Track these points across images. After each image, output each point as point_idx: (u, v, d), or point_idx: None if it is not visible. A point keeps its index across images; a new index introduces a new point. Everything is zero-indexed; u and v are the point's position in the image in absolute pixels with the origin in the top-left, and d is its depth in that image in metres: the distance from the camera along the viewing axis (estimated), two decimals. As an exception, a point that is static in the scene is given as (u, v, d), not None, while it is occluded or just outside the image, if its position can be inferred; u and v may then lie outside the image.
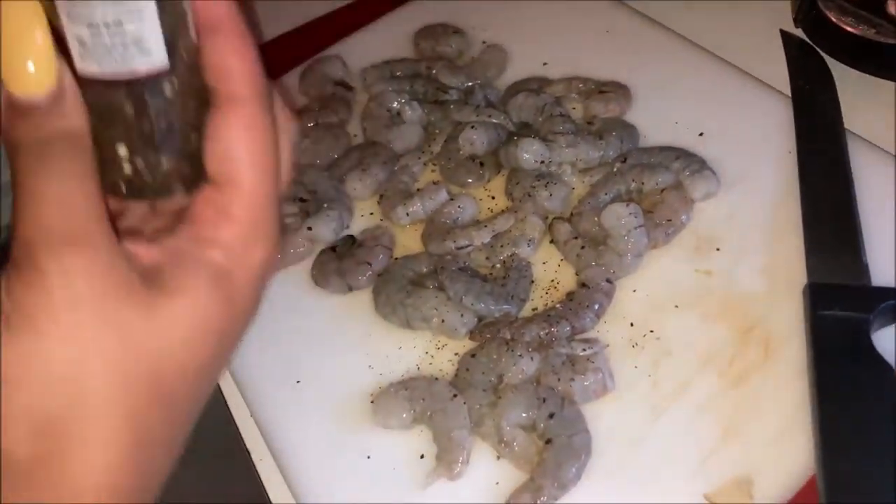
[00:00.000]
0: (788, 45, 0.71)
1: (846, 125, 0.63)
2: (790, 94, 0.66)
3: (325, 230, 0.62)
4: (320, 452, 0.52)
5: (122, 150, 0.29)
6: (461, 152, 0.65)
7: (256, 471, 0.54)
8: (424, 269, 0.59)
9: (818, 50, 0.70)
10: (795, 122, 0.64)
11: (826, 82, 0.67)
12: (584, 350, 0.52)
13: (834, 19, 0.68)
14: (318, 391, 0.55)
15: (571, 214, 0.60)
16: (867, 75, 0.67)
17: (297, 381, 0.55)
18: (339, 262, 0.60)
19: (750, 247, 0.57)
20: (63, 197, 0.26)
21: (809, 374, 0.49)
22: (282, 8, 0.85)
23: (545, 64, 0.73)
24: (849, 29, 0.68)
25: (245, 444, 0.55)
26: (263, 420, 0.55)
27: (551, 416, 0.49)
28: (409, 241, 0.62)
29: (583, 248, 0.57)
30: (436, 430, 0.50)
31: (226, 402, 0.57)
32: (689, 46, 0.72)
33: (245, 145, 0.30)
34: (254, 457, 0.54)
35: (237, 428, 0.56)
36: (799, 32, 0.71)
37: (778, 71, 0.68)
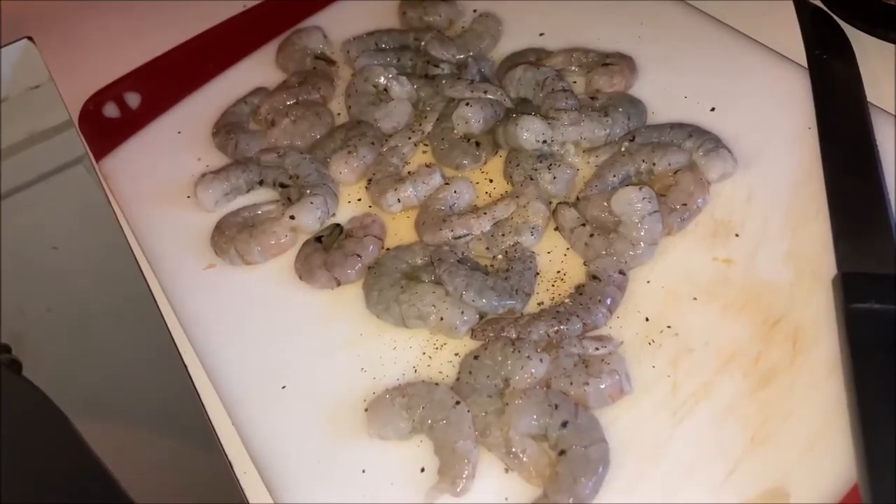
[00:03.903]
0: (802, 12, 0.66)
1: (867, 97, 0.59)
2: (806, 65, 0.62)
3: (308, 219, 0.57)
4: (309, 465, 0.47)
5: None
6: (455, 131, 0.60)
7: (240, 484, 0.49)
8: (419, 261, 0.54)
9: (834, 17, 0.65)
10: (814, 96, 0.59)
11: (844, 52, 0.62)
12: (598, 349, 0.47)
13: (852, -17, 0.64)
14: (305, 397, 0.50)
15: (577, 199, 0.56)
16: (888, 43, 0.63)
17: (283, 387, 0.51)
18: (326, 254, 0.55)
19: (771, 232, 0.53)
20: None
21: (844, 373, 0.45)
22: (256, -25, 0.79)
23: (542, 34, 0.68)
24: (867, -6, 0.64)
25: (227, 456, 0.50)
26: (246, 429, 0.50)
27: (565, 424, 0.44)
28: (401, 229, 0.57)
29: (591, 235, 0.53)
30: (437, 442, 0.46)
31: (204, 408, 0.53)
32: (696, 14, 0.67)
33: None
34: (236, 469, 0.50)
35: (218, 437, 0.51)
36: (813, -2, 0.67)
37: (793, 40, 0.64)
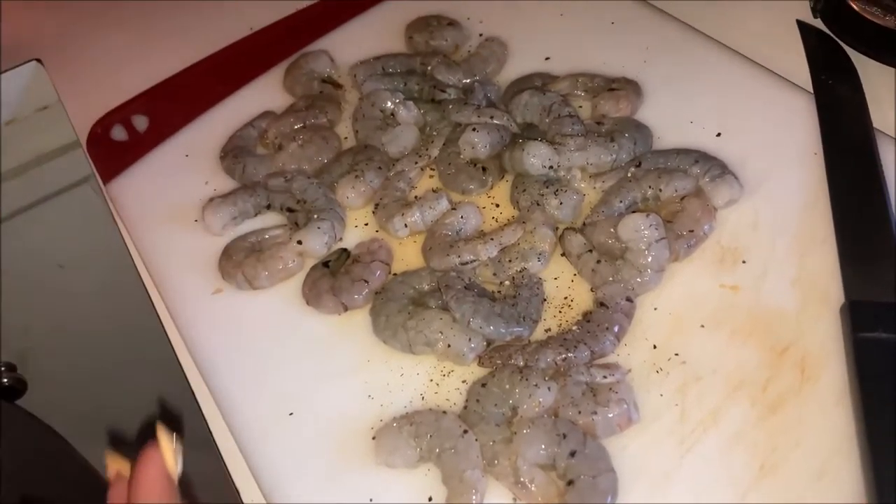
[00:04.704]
0: (807, 38, 0.66)
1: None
2: (812, 90, 0.62)
3: (316, 243, 0.57)
4: (317, 493, 0.47)
5: None
6: (462, 156, 0.60)
7: (247, 512, 0.49)
8: (426, 287, 0.54)
9: (839, 42, 0.66)
10: (820, 121, 0.59)
11: (850, 77, 0.62)
12: (606, 377, 0.47)
13: (857, 9, 0.64)
14: (312, 424, 0.50)
15: (584, 224, 0.56)
16: (892, 68, 0.63)
17: (290, 414, 0.51)
18: (333, 279, 0.55)
19: (778, 258, 0.53)
20: None
21: (852, 401, 0.45)
22: (263, -1, 0.79)
23: (547, 59, 0.69)
24: (872, 19, 0.64)
25: (234, 483, 0.50)
26: (253, 457, 0.50)
27: (573, 453, 0.44)
28: (407, 254, 0.57)
29: (598, 262, 0.53)
30: (445, 470, 0.46)
31: (211, 434, 0.53)
32: (701, 39, 0.68)
33: None
34: (243, 497, 0.49)
35: (225, 464, 0.51)
36: (818, 23, 0.67)
37: (798, 64, 0.64)
